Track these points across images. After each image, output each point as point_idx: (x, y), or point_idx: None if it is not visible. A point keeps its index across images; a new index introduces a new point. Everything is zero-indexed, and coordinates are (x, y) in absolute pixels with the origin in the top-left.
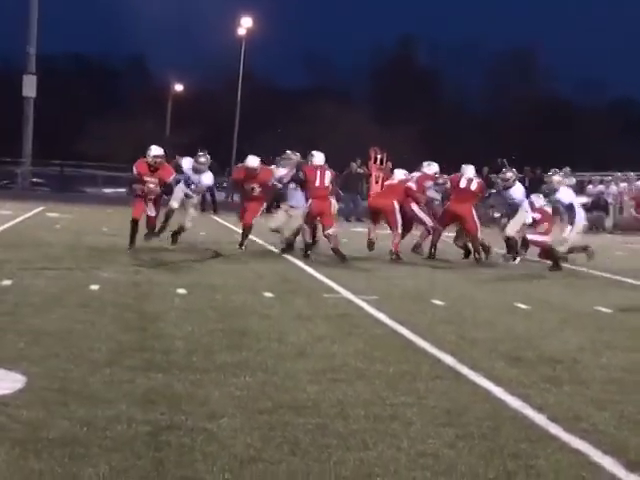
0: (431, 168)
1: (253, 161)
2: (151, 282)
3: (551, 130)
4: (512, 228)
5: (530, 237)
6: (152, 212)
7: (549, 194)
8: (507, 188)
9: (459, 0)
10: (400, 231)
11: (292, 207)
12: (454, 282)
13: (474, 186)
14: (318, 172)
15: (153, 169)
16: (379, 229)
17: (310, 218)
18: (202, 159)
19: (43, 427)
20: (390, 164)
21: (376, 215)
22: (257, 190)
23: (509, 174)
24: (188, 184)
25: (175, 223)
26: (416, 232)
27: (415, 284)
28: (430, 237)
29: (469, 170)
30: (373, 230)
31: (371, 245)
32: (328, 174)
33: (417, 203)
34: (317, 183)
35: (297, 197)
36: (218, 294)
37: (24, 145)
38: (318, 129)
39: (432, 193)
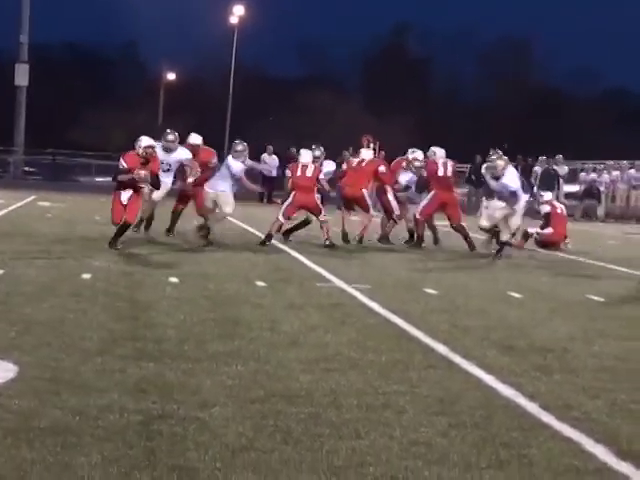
0: (415, 155)
1: (195, 138)
2: (143, 271)
3: (544, 119)
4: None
5: (533, 231)
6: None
7: (496, 179)
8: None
9: None
10: (372, 214)
11: (221, 192)
12: (447, 271)
13: (450, 170)
14: (300, 166)
15: (144, 161)
16: (353, 215)
17: (290, 209)
18: (170, 137)
19: (35, 416)
20: (383, 153)
21: (349, 202)
22: (197, 173)
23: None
24: (163, 169)
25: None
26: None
27: (408, 273)
28: (394, 226)
29: (441, 153)
30: (347, 219)
31: (345, 236)
32: (312, 168)
33: (388, 184)
34: (298, 173)
35: (224, 183)
36: (210, 283)
37: (16, 134)
38: (312, 119)
39: (409, 179)
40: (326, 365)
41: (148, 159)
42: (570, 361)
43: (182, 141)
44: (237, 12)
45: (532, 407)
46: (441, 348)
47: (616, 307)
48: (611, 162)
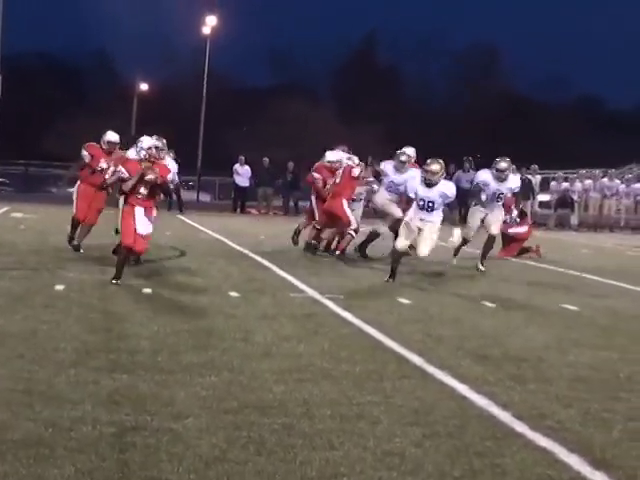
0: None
1: (112, 136)
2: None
3: (516, 127)
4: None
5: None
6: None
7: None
8: (504, 180)
9: None
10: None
11: None
12: (420, 280)
13: None
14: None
15: (149, 165)
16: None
17: (321, 218)
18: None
19: (8, 428)
20: (363, 164)
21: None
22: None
23: (504, 164)
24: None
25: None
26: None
27: (381, 283)
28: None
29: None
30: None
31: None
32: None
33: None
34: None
35: None
36: (184, 294)
37: None
38: (285, 127)
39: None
40: (299, 375)
41: (153, 162)
42: (544, 370)
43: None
44: (210, 22)
45: (506, 416)
46: (415, 358)
47: (591, 316)
48: (583, 171)
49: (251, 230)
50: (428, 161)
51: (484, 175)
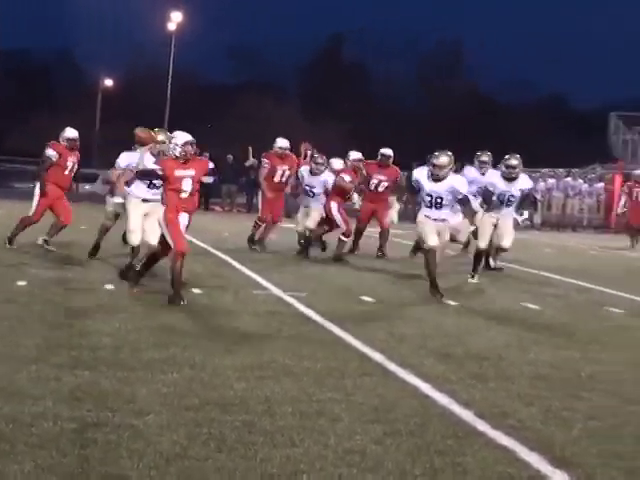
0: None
1: (71, 132)
2: (79, 278)
3: (485, 126)
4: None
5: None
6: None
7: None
8: (515, 179)
9: None
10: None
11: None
12: (383, 279)
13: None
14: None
15: (184, 162)
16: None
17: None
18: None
19: None
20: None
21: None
22: (74, 169)
23: (514, 161)
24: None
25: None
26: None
27: (344, 281)
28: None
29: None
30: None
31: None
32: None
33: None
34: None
35: None
36: (146, 290)
37: None
38: (249, 124)
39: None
40: (261, 373)
41: (188, 159)
42: (505, 369)
43: (122, 149)
44: (175, 19)
45: (467, 415)
46: (377, 356)
47: (551, 315)
48: (546, 170)
49: (215, 227)
50: (435, 153)
51: (491, 176)
